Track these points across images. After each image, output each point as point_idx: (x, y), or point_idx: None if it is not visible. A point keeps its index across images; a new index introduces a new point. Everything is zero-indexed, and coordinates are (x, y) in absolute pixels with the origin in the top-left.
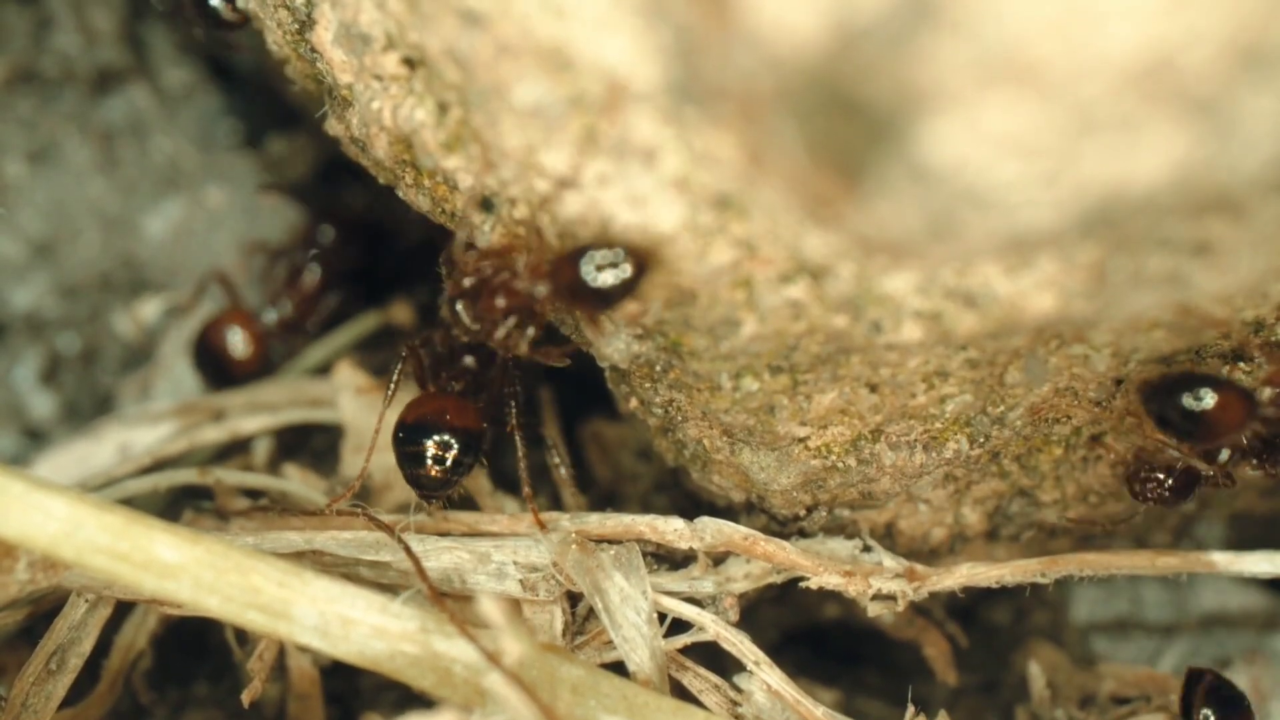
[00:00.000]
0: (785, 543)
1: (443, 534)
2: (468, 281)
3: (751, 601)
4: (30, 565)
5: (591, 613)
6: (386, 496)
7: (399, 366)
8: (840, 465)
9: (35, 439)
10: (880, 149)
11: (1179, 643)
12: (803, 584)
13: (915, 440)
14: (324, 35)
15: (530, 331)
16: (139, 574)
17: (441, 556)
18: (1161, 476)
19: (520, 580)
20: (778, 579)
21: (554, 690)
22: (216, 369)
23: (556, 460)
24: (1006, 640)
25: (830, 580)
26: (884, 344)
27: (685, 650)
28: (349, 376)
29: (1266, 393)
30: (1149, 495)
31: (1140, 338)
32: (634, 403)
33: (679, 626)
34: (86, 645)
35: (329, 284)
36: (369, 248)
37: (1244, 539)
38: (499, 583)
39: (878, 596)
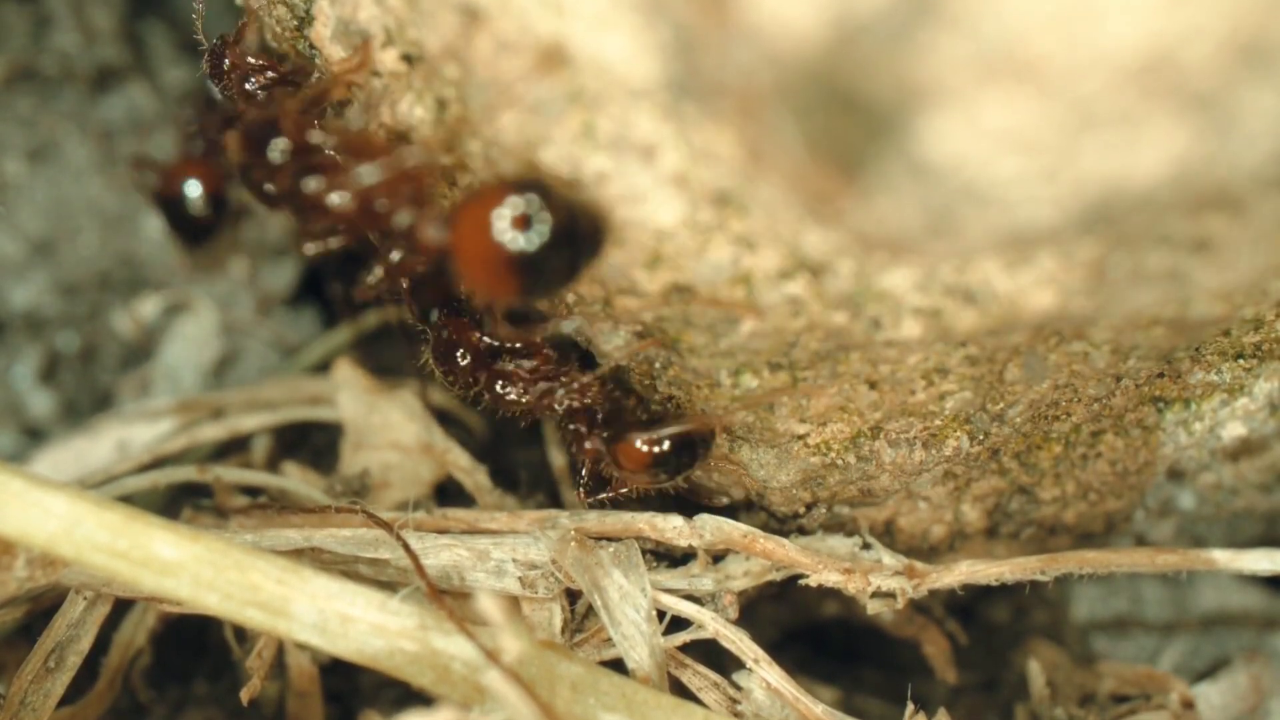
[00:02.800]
0: (784, 540)
1: (441, 531)
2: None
3: (751, 599)
4: (29, 562)
5: (590, 610)
6: (385, 494)
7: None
8: (839, 462)
9: (34, 437)
10: (879, 145)
11: (1179, 641)
12: (802, 581)
13: (915, 437)
14: (322, 32)
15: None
16: (138, 571)
17: (440, 554)
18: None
19: (519, 578)
20: (777, 576)
21: (553, 688)
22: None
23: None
24: (1006, 638)
25: (830, 578)
26: (883, 341)
27: (684, 648)
28: (348, 374)
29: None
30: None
31: (1140, 334)
32: (633, 400)
33: (678, 624)
34: (85, 643)
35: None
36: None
37: (1244, 537)
38: (498, 580)
39: (877, 594)
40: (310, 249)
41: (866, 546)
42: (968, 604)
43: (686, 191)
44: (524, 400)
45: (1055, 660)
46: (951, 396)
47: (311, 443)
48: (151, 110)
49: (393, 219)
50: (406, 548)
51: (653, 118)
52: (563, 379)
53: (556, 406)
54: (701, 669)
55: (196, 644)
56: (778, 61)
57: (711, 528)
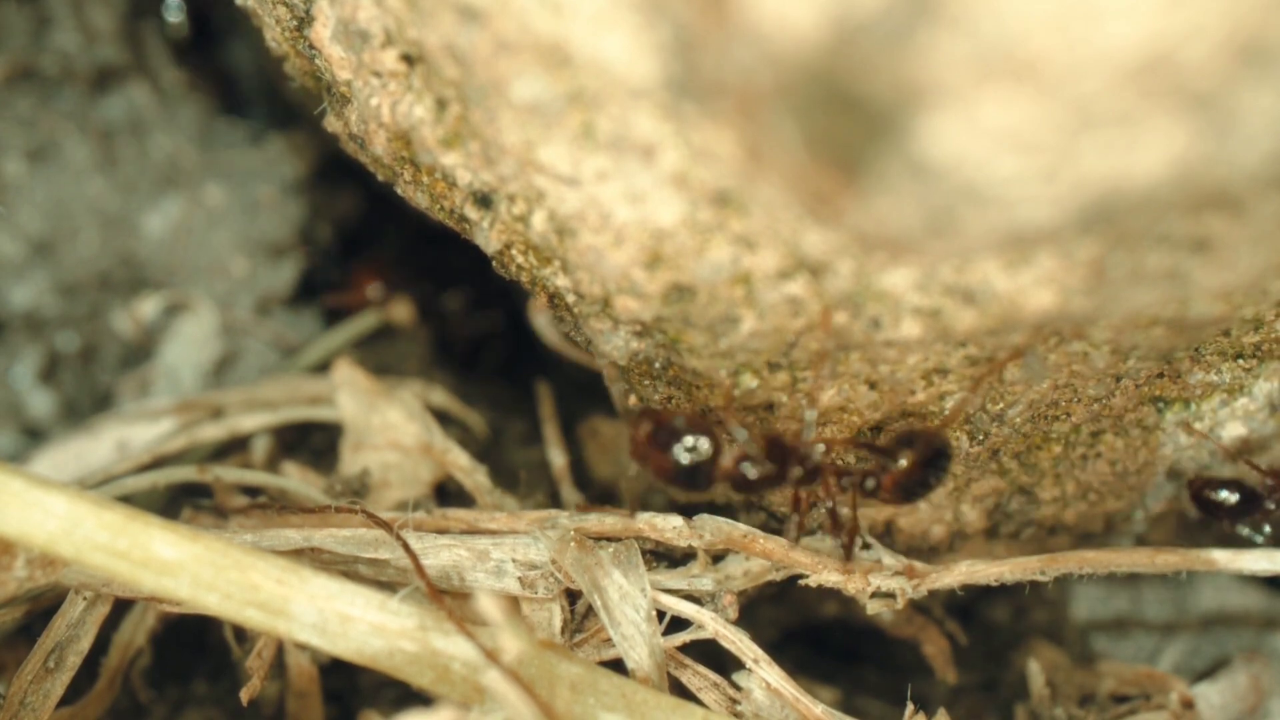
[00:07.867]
0: (784, 540)
1: (441, 531)
2: None
3: (750, 599)
4: (29, 562)
5: (590, 610)
6: (385, 494)
7: None
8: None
9: (34, 437)
10: (879, 145)
11: (1179, 641)
12: (802, 582)
13: None
14: (322, 32)
15: None
16: (137, 571)
17: (440, 554)
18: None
19: (519, 578)
20: (777, 576)
21: (552, 688)
22: None
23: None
24: (1006, 638)
25: (829, 578)
26: (883, 341)
27: (684, 648)
28: (348, 374)
29: None
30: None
31: (1139, 334)
32: (633, 400)
33: (678, 624)
34: (85, 643)
35: None
36: None
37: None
38: (498, 580)
39: (877, 594)
40: None
41: (866, 546)
42: (967, 604)
43: (686, 191)
44: None
45: (1055, 660)
46: (951, 396)
47: (311, 443)
48: (151, 110)
49: None
50: (406, 548)
51: (652, 117)
52: None
53: None
54: (701, 669)
55: (196, 644)
56: (777, 61)
57: (711, 528)
